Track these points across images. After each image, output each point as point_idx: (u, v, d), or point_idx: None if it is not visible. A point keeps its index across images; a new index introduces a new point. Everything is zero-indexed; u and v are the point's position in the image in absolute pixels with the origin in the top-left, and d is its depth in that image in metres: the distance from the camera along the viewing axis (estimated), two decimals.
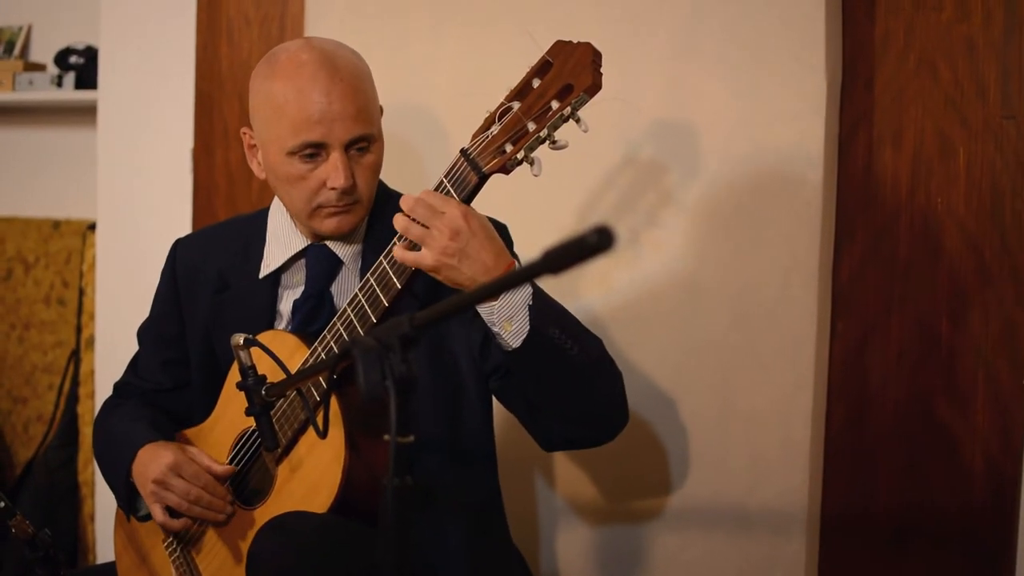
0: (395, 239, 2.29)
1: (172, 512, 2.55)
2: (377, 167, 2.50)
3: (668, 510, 3.03)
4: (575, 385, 2.34)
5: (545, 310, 2.25)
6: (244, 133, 2.59)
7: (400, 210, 2.25)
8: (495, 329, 2.24)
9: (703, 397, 2.98)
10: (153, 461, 2.53)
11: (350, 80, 2.42)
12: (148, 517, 2.66)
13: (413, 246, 2.24)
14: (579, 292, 3.04)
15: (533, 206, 2.86)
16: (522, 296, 2.22)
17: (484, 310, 2.24)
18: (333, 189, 2.42)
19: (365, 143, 2.45)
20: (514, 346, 2.23)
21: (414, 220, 2.22)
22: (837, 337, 2.96)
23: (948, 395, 2.89)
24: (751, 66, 2.89)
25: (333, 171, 2.41)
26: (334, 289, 2.57)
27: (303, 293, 2.58)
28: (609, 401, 2.43)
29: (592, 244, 1.30)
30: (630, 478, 3.07)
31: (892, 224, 2.90)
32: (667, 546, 3.03)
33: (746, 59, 2.89)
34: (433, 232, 2.19)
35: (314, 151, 2.42)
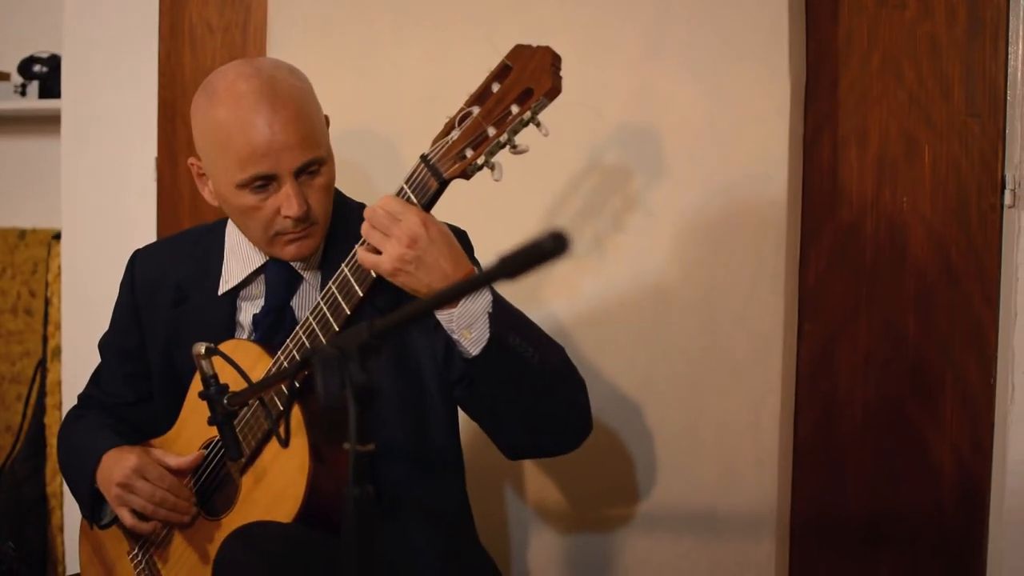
0: (357, 244, 2.27)
1: (140, 516, 2.53)
2: (330, 187, 2.47)
3: (638, 516, 3.02)
4: (536, 393, 2.33)
5: (505, 318, 2.24)
6: (192, 164, 2.55)
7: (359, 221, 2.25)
8: (455, 336, 2.23)
9: (671, 402, 2.97)
10: (117, 464, 2.51)
11: (292, 106, 2.38)
12: (110, 525, 2.64)
13: (376, 251, 2.23)
14: (544, 298, 3.03)
15: (497, 212, 2.85)
16: (481, 304, 2.21)
17: (443, 317, 2.23)
18: (288, 217, 2.39)
19: (315, 166, 2.41)
20: (473, 353, 2.22)
21: (373, 226, 2.21)
22: (805, 339, 2.96)
23: (917, 395, 2.89)
24: (716, 69, 2.88)
25: (286, 200, 2.38)
26: (294, 303, 2.55)
27: (263, 308, 2.56)
28: (571, 410, 2.42)
29: (548, 249, 1.29)
30: (600, 485, 3.06)
31: (858, 225, 2.90)
32: (637, 551, 3.02)
33: (711, 62, 2.89)
34: (391, 239, 2.18)
35: (264, 182, 2.38)
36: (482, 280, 1.48)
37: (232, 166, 2.39)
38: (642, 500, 3.01)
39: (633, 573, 3.03)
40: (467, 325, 2.21)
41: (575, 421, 2.44)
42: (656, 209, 2.95)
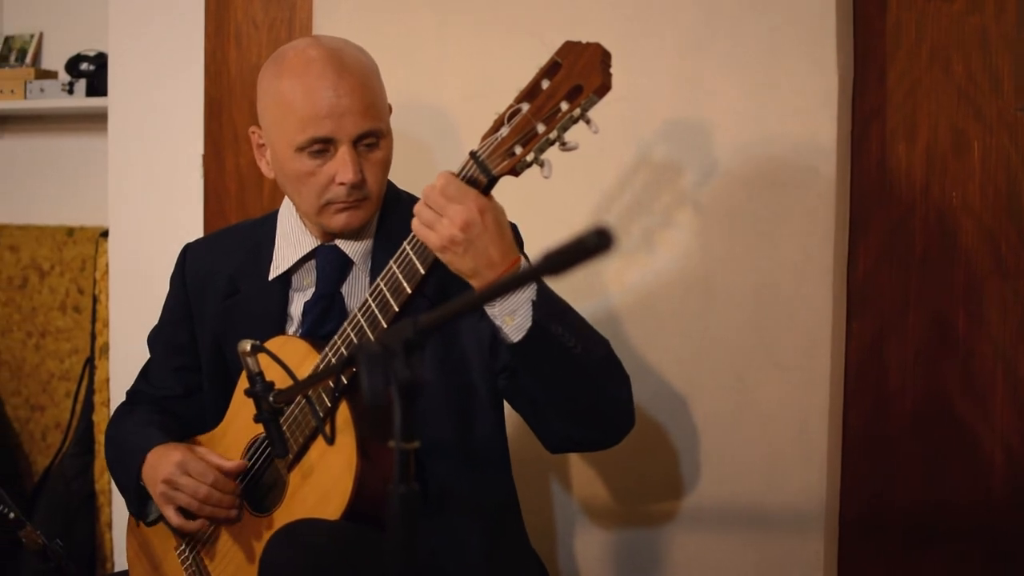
0: (406, 242, 2.27)
1: (186, 514, 2.53)
2: (386, 163, 2.49)
3: (684, 511, 3.01)
4: (577, 383, 2.32)
5: (548, 306, 2.24)
6: (253, 132, 2.59)
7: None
8: (497, 322, 2.22)
9: (718, 397, 2.96)
10: (161, 461, 2.52)
11: (358, 75, 2.42)
12: (156, 522, 2.65)
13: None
14: (594, 292, 3.02)
15: (546, 208, 2.84)
16: (525, 291, 2.20)
17: (487, 303, 2.22)
18: (342, 184, 2.41)
19: (374, 138, 2.44)
20: (515, 340, 2.21)
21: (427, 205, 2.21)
22: (853, 334, 2.93)
23: (966, 391, 2.86)
24: (762, 63, 2.86)
25: (342, 166, 2.40)
26: (345, 290, 2.55)
27: (314, 295, 2.57)
28: (613, 402, 2.40)
29: (592, 245, 1.28)
30: (646, 478, 3.05)
31: (907, 219, 2.88)
32: (684, 547, 3.00)
33: (757, 56, 2.87)
34: (444, 219, 2.17)
35: (323, 147, 2.41)
36: (528, 276, 1.48)
37: (293, 129, 2.42)
38: (688, 496, 3.00)
39: (681, 571, 3.01)
40: (510, 311, 2.21)
41: (616, 415, 2.43)
42: (703, 203, 2.93)
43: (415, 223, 2.23)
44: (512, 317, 2.21)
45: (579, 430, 2.42)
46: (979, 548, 2.86)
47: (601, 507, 3.11)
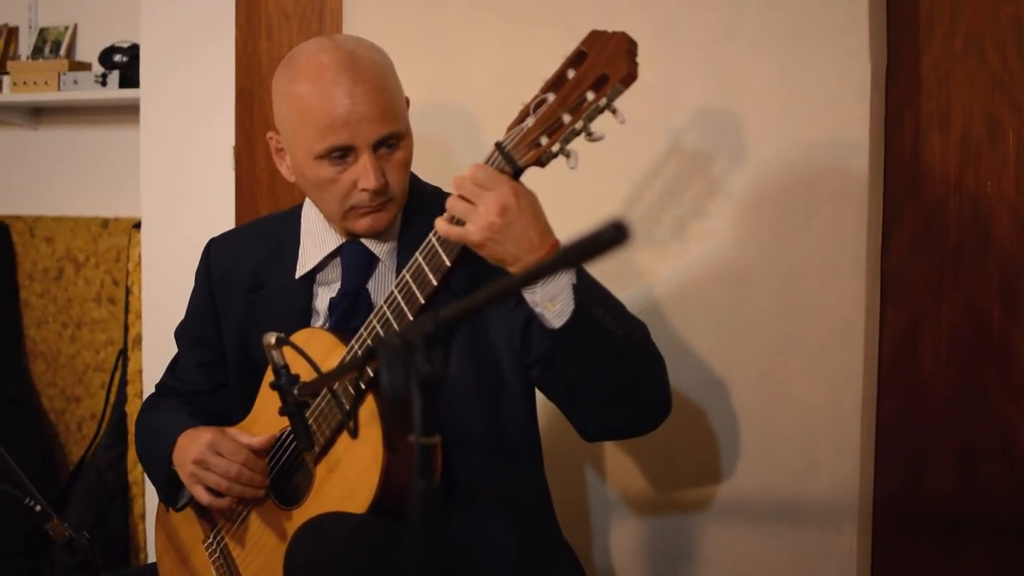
0: (437, 222, 2.24)
1: (214, 493, 2.53)
2: (407, 163, 2.47)
3: (718, 504, 2.99)
4: (618, 367, 2.30)
5: (588, 290, 2.21)
6: (271, 138, 2.57)
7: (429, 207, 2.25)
8: (538, 309, 2.20)
9: (751, 388, 2.93)
10: (193, 443, 2.52)
11: (373, 79, 2.39)
12: (186, 506, 2.65)
13: (457, 222, 2.20)
14: (625, 283, 2.99)
15: (577, 199, 2.82)
16: (565, 276, 2.17)
17: (527, 290, 2.20)
18: (364, 190, 2.39)
19: (393, 140, 2.41)
20: (557, 326, 2.19)
21: (460, 196, 2.19)
22: (887, 325, 2.90)
23: (1002, 382, 2.82)
24: (793, 50, 2.83)
25: (363, 173, 2.38)
26: (371, 286, 2.54)
27: (339, 291, 2.55)
28: (652, 387, 2.38)
29: (608, 239, 1.26)
30: (679, 470, 3.03)
31: (941, 209, 2.84)
32: (718, 539, 2.98)
33: (787, 43, 2.84)
34: (480, 208, 2.15)
35: (342, 154, 2.39)
36: (543, 270, 1.45)
37: (311, 137, 2.40)
38: (721, 487, 2.98)
39: (713, 563, 2.99)
40: (551, 297, 2.18)
41: (656, 398, 2.40)
42: (735, 193, 2.90)
43: (444, 227, 2.21)
44: (553, 303, 2.18)
45: (618, 415, 2.39)
46: (1015, 540, 2.83)
47: (634, 499, 3.09)
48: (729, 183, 2.91)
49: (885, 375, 2.91)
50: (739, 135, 2.89)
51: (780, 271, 2.88)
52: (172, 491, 2.67)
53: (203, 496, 2.52)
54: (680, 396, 2.97)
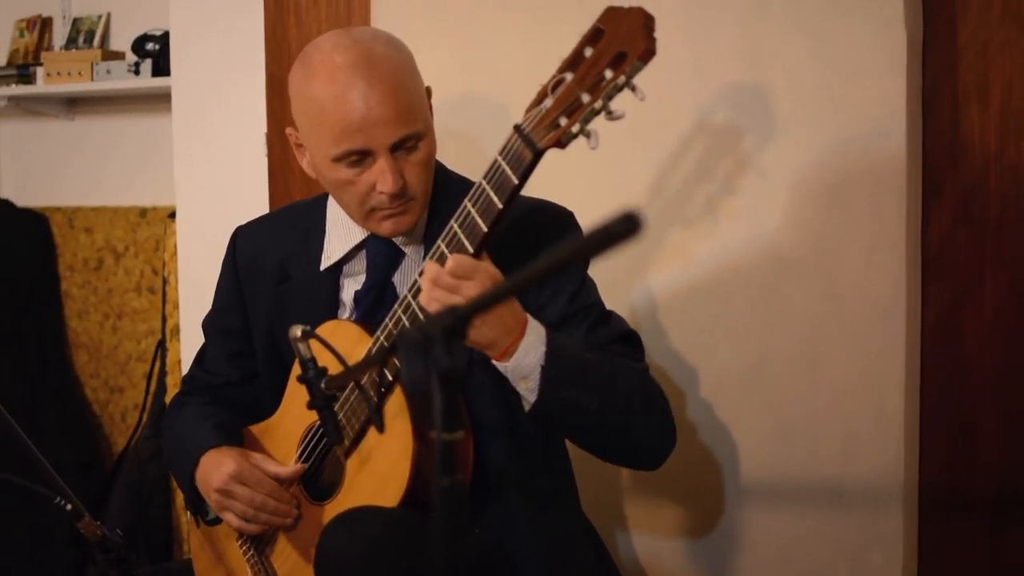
0: (453, 220, 2.20)
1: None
2: (428, 162, 2.41)
3: (758, 487, 2.94)
4: (600, 435, 2.34)
5: (558, 371, 2.20)
6: (290, 134, 2.53)
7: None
8: (514, 386, 2.22)
9: (791, 371, 2.88)
10: (215, 470, 2.49)
11: (389, 79, 2.33)
12: (215, 521, 2.62)
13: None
14: (658, 266, 2.96)
15: (607, 177, 2.79)
16: (534, 357, 2.17)
17: (500, 367, 2.21)
18: (383, 193, 2.35)
19: (412, 141, 2.35)
20: (531, 401, 2.21)
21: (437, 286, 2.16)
22: (928, 303, 2.84)
23: None
24: (826, 22, 2.77)
25: (381, 176, 2.33)
26: (396, 279, 2.50)
27: (365, 284, 2.52)
28: (643, 440, 2.37)
29: (619, 231, 1.22)
30: (718, 454, 2.99)
31: (982, 181, 2.78)
32: (759, 526, 2.94)
33: (820, 14, 2.78)
34: (458, 298, 2.12)
35: (359, 157, 2.34)
36: (553, 266, 1.41)
37: (327, 140, 2.35)
38: (762, 471, 2.93)
39: (755, 549, 2.95)
40: (522, 376, 2.19)
41: (649, 447, 2.41)
42: (769, 170, 2.85)
43: (423, 297, 2.18)
44: (525, 381, 2.19)
45: (617, 462, 2.57)
46: None
47: (671, 484, 3.05)
48: (762, 160, 2.85)
49: (928, 354, 2.85)
50: (771, 111, 2.83)
51: (818, 250, 2.83)
52: (198, 505, 2.65)
53: (232, 521, 2.51)
54: (716, 378, 2.94)
